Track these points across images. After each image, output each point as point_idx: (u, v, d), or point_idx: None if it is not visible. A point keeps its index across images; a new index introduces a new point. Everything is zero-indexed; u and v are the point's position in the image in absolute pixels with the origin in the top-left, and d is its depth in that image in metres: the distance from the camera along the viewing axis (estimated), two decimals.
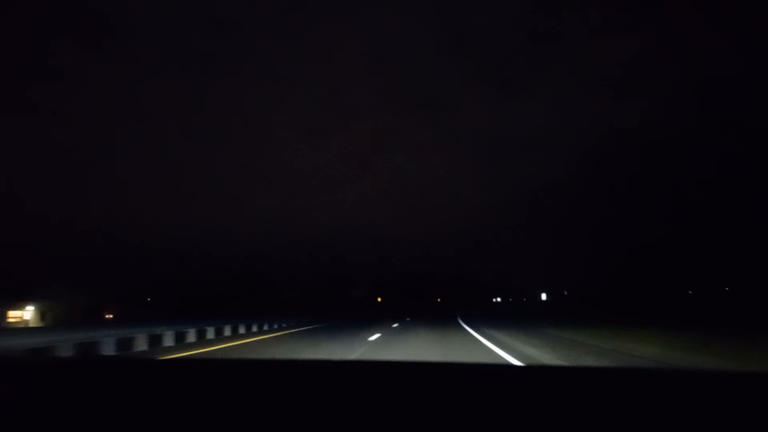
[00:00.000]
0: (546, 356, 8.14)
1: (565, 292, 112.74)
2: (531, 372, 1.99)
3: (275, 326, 20.98)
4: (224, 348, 11.81)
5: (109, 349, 10.13)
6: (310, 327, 21.10)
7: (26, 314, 37.50)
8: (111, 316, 45.53)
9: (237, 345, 12.53)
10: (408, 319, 26.57)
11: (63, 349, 8.99)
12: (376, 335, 13.76)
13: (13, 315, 36.94)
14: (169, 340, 12.50)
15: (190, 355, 10.09)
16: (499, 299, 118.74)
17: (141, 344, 11.33)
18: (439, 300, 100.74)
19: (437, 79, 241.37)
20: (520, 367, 2.30)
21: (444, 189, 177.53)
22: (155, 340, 11.95)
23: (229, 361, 2.14)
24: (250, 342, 13.59)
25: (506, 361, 7.70)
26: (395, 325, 20.28)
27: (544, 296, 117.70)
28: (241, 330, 17.44)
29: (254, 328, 18.61)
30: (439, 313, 42.17)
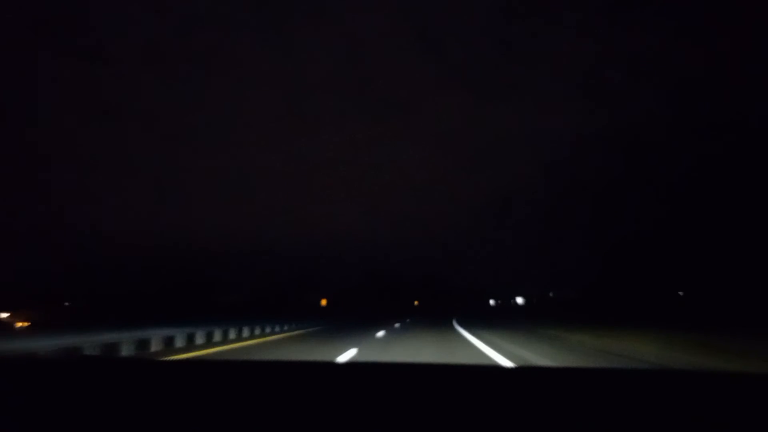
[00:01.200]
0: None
1: (551, 294, 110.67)
2: (522, 373, 2.02)
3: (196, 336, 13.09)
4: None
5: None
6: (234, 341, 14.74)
7: None
8: (25, 324, 37.18)
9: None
10: (397, 325, 23.60)
11: None
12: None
13: None
14: None
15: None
16: (469, 301, 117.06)
17: None
18: (416, 303, 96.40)
19: (409, 82, 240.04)
20: (511, 368, 2.38)
21: (416, 192, 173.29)
22: None
23: (228, 363, 2.28)
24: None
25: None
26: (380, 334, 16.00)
27: (520, 300, 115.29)
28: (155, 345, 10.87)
29: (178, 342, 11.84)
30: (422, 314, 44.00)
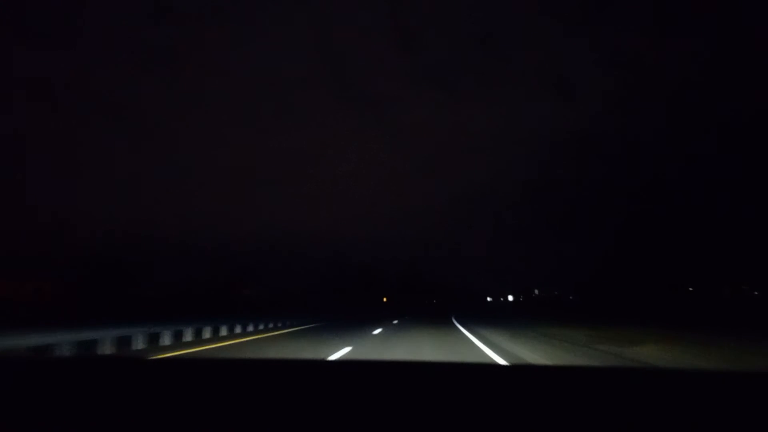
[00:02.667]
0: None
1: (536, 291, 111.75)
2: (518, 371, 2.00)
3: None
4: None
5: None
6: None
7: None
8: None
9: None
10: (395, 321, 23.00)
11: None
12: None
13: None
14: None
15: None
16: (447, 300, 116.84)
17: None
18: (385, 300, 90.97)
19: (385, 80, 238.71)
20: (506, 366, 2.20)
21: (392, 189, 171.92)
22: None
23: (223, 361, 2.05)
24: None
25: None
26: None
27: (511, 298, 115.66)
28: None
29: None
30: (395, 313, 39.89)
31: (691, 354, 8.17)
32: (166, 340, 11.31)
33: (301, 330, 17.67)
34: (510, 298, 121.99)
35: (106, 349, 9.12)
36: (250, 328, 16.69)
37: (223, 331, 14.80)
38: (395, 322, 22.91)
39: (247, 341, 12.69)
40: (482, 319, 25.90)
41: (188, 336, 12.49)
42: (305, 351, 9.77)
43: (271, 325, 19.07)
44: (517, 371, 2.00)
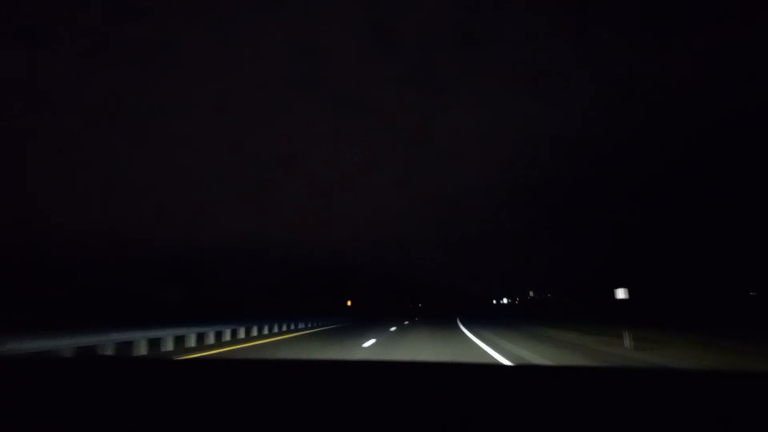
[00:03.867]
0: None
1: (531, 293, 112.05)
2: (522, 372, 2.00)
3: None
4: None
5: None
6: None
7: None
8: None
9: None
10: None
11: None
12: None
13: None
14: None
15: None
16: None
17: None
18: (349, 303, 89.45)
19: (366, 80, 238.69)
20: (511, 366, 2.09)
21: (369, 191, 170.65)
22: None
23: (232, 362, 2.16)
24: None
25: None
26: None
27: (505, 300, 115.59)
28: None
29: None
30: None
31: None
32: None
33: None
34: (505, 300, 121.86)
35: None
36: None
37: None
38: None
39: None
40: (478, 322, 25.91)
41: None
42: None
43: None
44: (522, 371, 2.02)
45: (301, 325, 22.44)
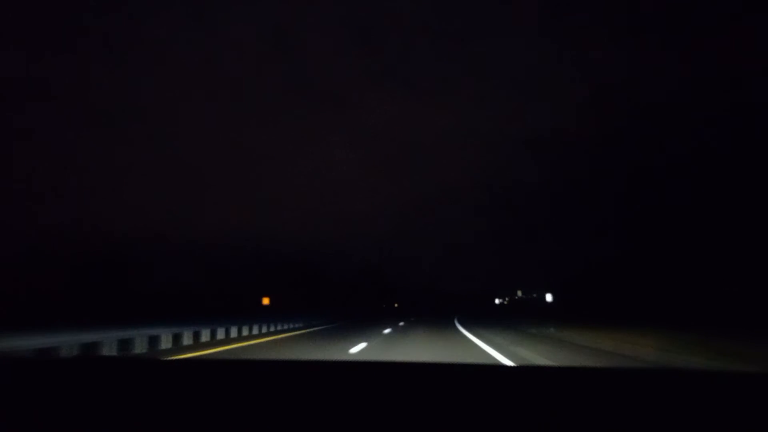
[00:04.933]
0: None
1: (519, 293, 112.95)
2: (523, 372, 2.01)
3: None
4: None
5: None
6: None
7: None
8: None
9: None
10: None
11: None
12: None
13: None
14: None
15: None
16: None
17: None
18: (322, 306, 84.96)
19: (342, 77, 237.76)
20: (512, 367, 2.30)
21: (348, 191, 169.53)
22: None
23: (229, 362, 2.17)
24: None
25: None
26: None
27: (498, 301, 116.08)
28: None
29: None
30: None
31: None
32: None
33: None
34: (497, 301, 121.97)
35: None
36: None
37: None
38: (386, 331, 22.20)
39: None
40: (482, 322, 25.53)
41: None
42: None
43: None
44: (522, 372, 2.02)
45: (276, 327, 19.41)
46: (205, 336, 13.10)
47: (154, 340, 10.68)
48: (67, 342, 8.12)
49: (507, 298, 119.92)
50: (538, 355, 8.05)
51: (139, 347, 10.08)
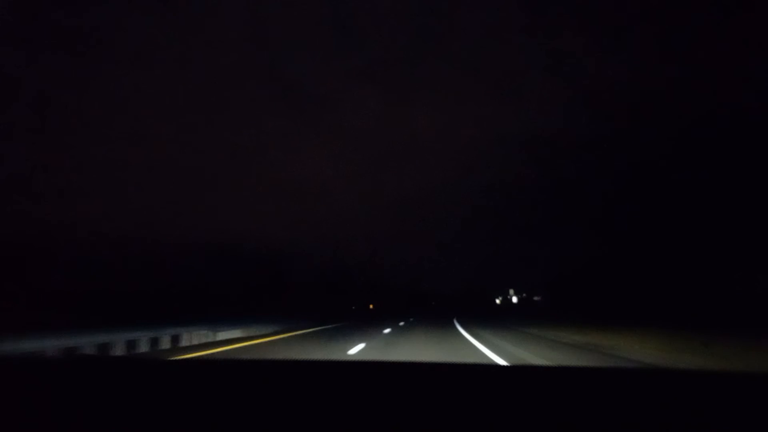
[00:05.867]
0: None
1: (510, 292, 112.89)
2: (518, 372, 2.01)
3: None
4: None
5: None
6: None
7: None
8: None
9: None
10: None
11: None
12: None
13: None
14: None
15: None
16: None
17: None
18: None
19: (320, 74, 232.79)
20: (507, 366, 2.34)
21: (325, 193, 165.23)
22: None
23: (230, 362, 2.13)
24: None
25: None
26: None
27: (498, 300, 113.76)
28: None
29: None
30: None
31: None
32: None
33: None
34: (498, 300, 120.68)
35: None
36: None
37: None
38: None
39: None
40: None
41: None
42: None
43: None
44: (517, 372, 2.03)
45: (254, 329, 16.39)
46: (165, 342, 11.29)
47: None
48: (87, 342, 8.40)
49: (501, 298, 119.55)
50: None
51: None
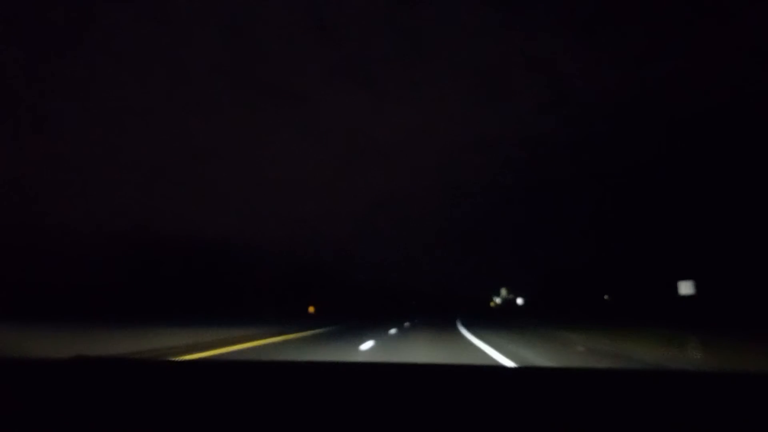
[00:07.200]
0: None
1: (503, 292, 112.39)
2: (524, 373, 2.07)
3: None
4: None
5: None
6: None
7: None
8: None
9: None
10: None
11: None
12: None
13: None
14: None
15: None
16: None
17: None
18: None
19: (299, 71, 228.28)
20: (513, 368, 2.39)
21: (303, 192, 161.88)
22: None
23: (232, 363, 2.40)
24: None
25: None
26: None
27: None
28: None
29: None
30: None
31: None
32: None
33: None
34: (497, 300, 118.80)
35: None
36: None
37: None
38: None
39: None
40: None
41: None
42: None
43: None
44: (521, 373, 2.02)
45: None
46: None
47: None
48: None
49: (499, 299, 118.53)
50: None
51: None
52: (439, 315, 43.48)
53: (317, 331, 16.82)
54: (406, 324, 22.60)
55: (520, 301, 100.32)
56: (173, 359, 7.84)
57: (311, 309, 44.84)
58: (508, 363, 7.42)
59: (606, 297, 52.65)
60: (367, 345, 10.84)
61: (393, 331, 16.93)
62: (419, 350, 9.98)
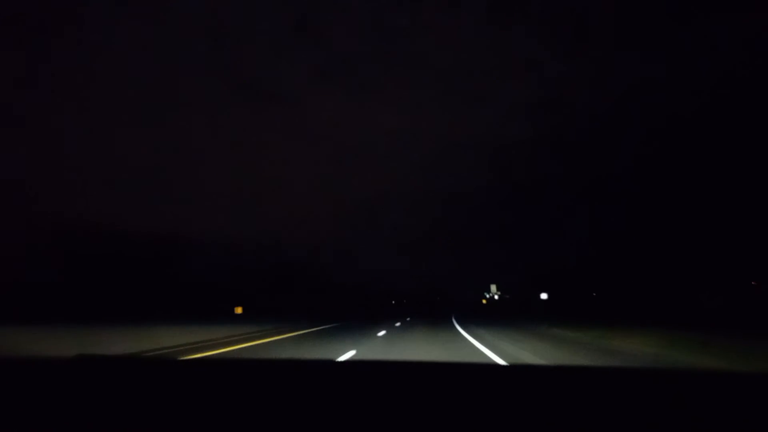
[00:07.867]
0: None
1: (493, 288, 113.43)
2: (517, 371, 2.00)
3: None
4: None
5: None
6: None
7: None
8: None
9: None
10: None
11: None
12: None
13: None
14: None
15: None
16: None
17: None
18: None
19: (283, 71, 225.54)
20: (505, 366, 2.09)
21: (287, 193, 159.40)
22: None
23: (230, 361, 2.15)
24: None
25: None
26: None
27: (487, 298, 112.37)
28: None
29: None
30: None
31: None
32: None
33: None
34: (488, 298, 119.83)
35: None
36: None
37: None
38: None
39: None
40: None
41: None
42: None
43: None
44: (516, 371, 2.04)
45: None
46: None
47: None
48: None
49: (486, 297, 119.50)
50: None
51: None
52: (431, 315, 42.67)
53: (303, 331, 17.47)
54: (397, 324, 22.60)
55: (507, 297, 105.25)
56: (178, 359, 7.53)
57: (238, 310, 40.64)
58: (499, 360, 7.81)
59: (594, 294, 53.50)
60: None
61: (382, 333, 15.94)
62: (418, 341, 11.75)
